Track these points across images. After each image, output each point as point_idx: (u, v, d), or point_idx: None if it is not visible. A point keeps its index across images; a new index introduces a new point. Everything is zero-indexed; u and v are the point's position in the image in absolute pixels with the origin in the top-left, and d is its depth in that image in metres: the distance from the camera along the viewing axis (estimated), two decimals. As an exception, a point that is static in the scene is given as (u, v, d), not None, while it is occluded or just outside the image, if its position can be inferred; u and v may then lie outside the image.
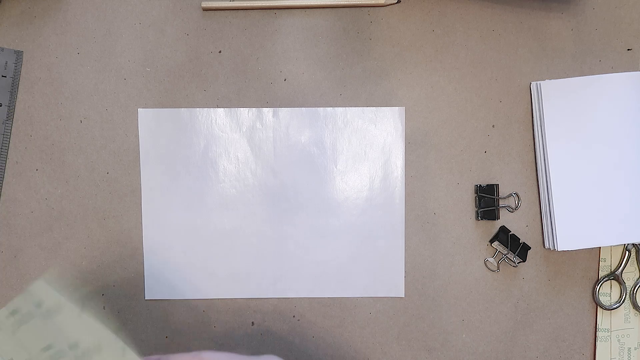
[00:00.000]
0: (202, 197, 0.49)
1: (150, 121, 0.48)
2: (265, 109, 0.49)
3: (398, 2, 0.48)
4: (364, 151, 0.49)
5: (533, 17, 0.49)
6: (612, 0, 0.50)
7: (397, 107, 0.49)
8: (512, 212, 0.49)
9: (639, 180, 0.48)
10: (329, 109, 0.49)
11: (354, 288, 0.49)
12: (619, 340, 0.50)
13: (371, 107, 0.49)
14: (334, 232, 0.49)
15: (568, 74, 0.50)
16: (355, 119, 0.49)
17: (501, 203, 0.49)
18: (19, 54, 0.48)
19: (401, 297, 0.49)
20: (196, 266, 0.49)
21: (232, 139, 0.49)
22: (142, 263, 0.49)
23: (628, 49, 0.50)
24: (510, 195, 0.49)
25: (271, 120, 0.49)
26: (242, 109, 0.49)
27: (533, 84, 0.49)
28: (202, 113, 0.49)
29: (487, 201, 0.48)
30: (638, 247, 0.50)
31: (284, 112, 0.49)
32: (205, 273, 0.49)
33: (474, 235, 0.49)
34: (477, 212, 0.49)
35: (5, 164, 0.48)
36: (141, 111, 0.48)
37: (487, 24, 0.49)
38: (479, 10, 0.49)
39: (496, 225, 0.49)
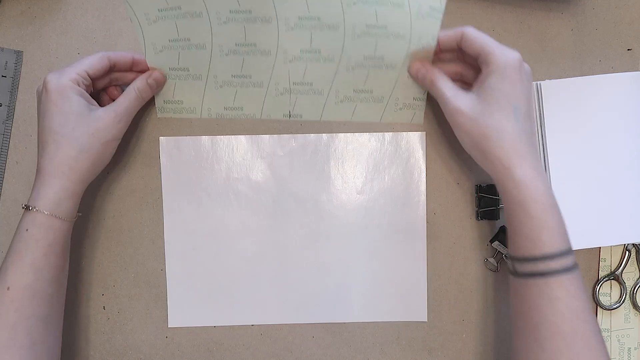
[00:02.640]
0: (224, 224, 0.48)
1: (172, 149, 0.48)
2: (285, 136, 0.49)
3: None
4: (384, 176, 0.49)
5: (533, 17, 0.49)
6: (612, 0, 0.50)
7: (418, 132, 0.49)
8: None
9: (639, 180, 0.48)
10: (349, 134, 0.49)
11: (373, 312, 0.49)
12: (619, 340, 0.50)
13: (391, 132, 0.49)
14: (357, 257, 0.49)
15: (568, 74, 0.50)
16: (376, 144, 0.49)
17: (501, 203, 0.49)
18: (19, 54, 0.48)
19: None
20: (218, 293, 0.49)
21: (253, 165, 0.49)
22: (143, 263, 0.49)
23: (628, 49, 0.50)
24: None
25: (292, 146, 0.49)
26: (263, 135, 0.48)
27: (533, 84, 0.49)
28: (224, 140, 0.48)
29: (487, 201, 0.48)
30: (638, 247, 0.50)
31: (304, 138, 0.49)
32: (228, 300, 0.49)
33: (474, 235, 0.49)
34: (477, 212, 0.49)
35: (5, 164, 0.48)
36: (162, 139, 0.48)
37: (487, 24, 0.49)
38: (479, 10, 0.49)
39: (496, 225, 0.49)
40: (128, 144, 0.48)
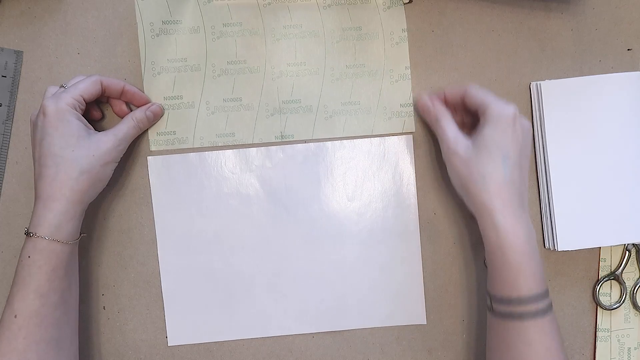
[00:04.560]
0: (218, 239, 0.48)
1: (160, 167, 0.48)
2: (273, 147, 0.48)
3: (410, 2, 0.48)
4: (374, 181, 0.49)
5: (533, 17, 0.49)
6: (612, 0, 0.50)
7: (404, 136, 0.49)
8: None
9: (639, 180, 0.48)
10: (337, 142, 0.49)
11: (371, 317, 0.49)
12: (619, 340, 0.50)
13: (378, 137, 0.49)
14: (352, 264, 0.49)
15: (568, 74, 0.50)
16: (363, 150, 0.49)
17: None
18: (19, 54, 0.48)
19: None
20: (217, 308, 0.48)
21: (243, 179, 0.48)
22: (143, 263, 0.49)
23: (628, 49, 0.50)
24: None
25: (281, 157, 0.48)
26: (251, 148, 0.48)
27: (533, 84, 0.49)
28: (212, 156, 0.48)
29: None
30: (638, 247, 0.50)
31: (292, 148, 0.48)
32: (227, 314, 0.48)
33: (474, 235, 0.49)
34: None
35: (5, 164, 0.48)
36: (150, 159, 0.48)
37: (487, 24, 0.49)
38: (479, 10, 0.49)
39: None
40: (132, 145, 0.48)
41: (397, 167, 0.49)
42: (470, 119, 0.46)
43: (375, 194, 0.49)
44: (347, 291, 0.49)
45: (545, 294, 0.40)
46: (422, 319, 0.49)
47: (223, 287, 0.48)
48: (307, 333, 0.49)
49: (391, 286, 0.49)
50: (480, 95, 0.43)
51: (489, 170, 0.40)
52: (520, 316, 0.39)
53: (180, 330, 0.48)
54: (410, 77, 0.48)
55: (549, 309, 0.40)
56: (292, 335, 0.49)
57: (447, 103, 0.46)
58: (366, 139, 0.49)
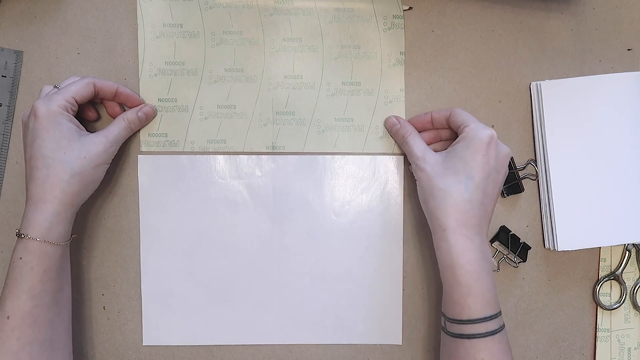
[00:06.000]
0: (201, 244, 0.48)
1: (150, 167, 0.48)
2: (264, 156, 0.48)
3: (410, 8, 0.48)
4: (362, 199, 0.49)
5: (533, 17, 0.50)
6: (612, 0, 0.50)
7: (395, 156, 0.49)
8: (535, 180, 0.49)
9: (639, 180, 0.48)
10: (328, 157, 0.48)
11: (349, 334, 0.49)
12: (619, 340, 0.50)
13: (369, 156, 0.49)
14: (333, 279, 0.49)
15: (568, 74, 0.50)
16: (354, 167, 0.49)
17: (520, 174, 0.49)
18: (19, 54, 0.48)
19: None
20: (195, 312, 0.48)
21: (231, 186, 0.48)
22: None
23: (628, 49, 0.50)
24: (529, 163, 0.49)
25: (271, 167, 0.48)
26: (241, 155, 0.48)
27: (533, 84, 0.49)
28: (202, 160, 0.48)
29: (508, 176, 0.47)
30: (638, 247, 0.50)
31: (283, 159, 0.48)
32: (205, 319, 0.48)
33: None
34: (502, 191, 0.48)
35: (5, 164, 0.48)
36: (141, 157, 0.48)
37: (487, 24, 0.49)
38: (479, 10, 0.49)
39: (497, 224, 0.49)
40: (128, 144, 0.48)
41: (386, 186, 0.49)
42: (449, 144, 0.46)
43: (362, 211, 0.49)
44: (326, 306, 0.49)
45: (496, 316, 0.40)
46: (397, 339, 0.49)
47: (202, 292, 0.48)
48: (283, 344, 0.49)
49: (370, 304, 0.49)
50: (463, 115, 0.43)
51: (451, 188, 0.40)
52: (470, 336, 0.39)
53: (156, 331, 0.48)
54: (404, 99, 0.48)
55: (499, 330, 0.40)
56: (271, 345, 0.49)
57: (433, 124, 0.46)
58: (357, 156, 0.49)
